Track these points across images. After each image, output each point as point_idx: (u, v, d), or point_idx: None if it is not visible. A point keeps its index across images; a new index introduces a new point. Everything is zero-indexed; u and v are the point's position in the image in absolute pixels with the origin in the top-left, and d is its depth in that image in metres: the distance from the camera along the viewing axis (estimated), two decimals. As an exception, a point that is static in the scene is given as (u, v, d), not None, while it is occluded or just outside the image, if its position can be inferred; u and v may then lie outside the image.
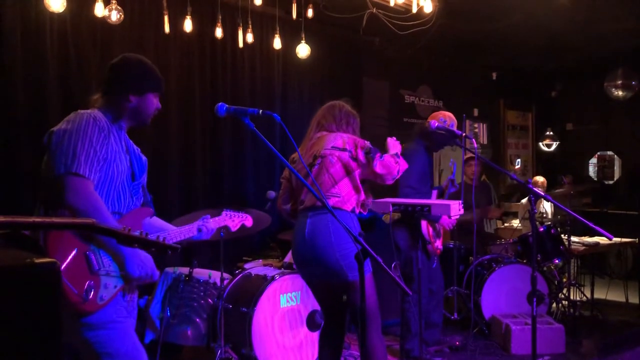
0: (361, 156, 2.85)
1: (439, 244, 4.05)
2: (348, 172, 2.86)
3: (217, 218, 2.55)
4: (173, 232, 2.31)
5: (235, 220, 2.66)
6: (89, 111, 2.07)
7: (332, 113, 3.05)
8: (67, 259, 1.89)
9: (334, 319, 3.01)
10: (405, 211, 3.12)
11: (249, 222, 2.73)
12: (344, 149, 2.87)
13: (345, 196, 2.84)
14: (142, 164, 2.24)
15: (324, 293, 3.01)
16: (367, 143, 2.90)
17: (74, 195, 1.90)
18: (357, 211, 2.90)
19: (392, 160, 2.88)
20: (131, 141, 2.26)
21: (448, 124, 3.73)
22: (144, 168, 2.25)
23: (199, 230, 2.40)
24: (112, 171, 2.06)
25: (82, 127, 1.98)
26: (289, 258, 4.05)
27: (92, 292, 1.92)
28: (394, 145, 3.12)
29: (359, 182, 2.90)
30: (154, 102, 2.21)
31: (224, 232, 2.72)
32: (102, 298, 1.96)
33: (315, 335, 3.73)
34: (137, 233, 1.51)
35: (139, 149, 2.31)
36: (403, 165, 2.98)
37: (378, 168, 2.83)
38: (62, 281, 1.07)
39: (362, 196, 2.92)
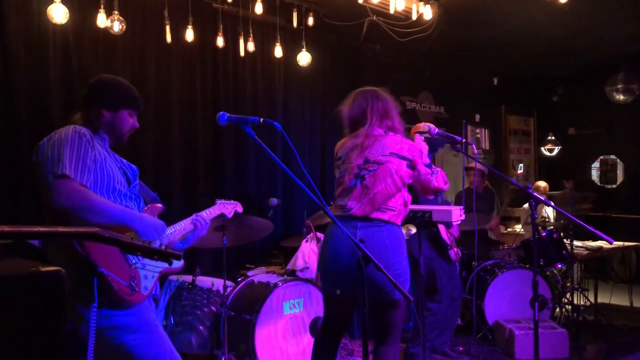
0: (420, 166, 2.68)
1: (456, 249, 4.04)
2: (404, 183, 2.64)
3: (212, 208, 2.63)
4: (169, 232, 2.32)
5: (228, 207, 2.75)
6: (69, 125, 2.10)
7: (389, 109, 2.74)
8: (109, 256, 1.93)
9: (336, 331, 2.90)
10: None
11: (239, 208, 2.83)
12: (404, 157, 2.64)
13: (399, 209, 2.64)
14: (133, 169, 2.27)
15: (344, 307, 2.80)
16: (427, 158, 2.76)
17: (58, 196, 1.87)
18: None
19: (443, 180, 2.77)
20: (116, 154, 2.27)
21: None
22: (135, 173, 2.27)
23: (194, 224, 2.42)
24: (107, 172, 2.07)
25: (63, 137, 2.00)
26: (291, 265, 4.06)
27: (136, 284, 1.99)
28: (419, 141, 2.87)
29: (407, 192, 2.72)
30: (128, 120, 2.22)
31: (221, 220, 2.78)
32: (145, 288, 2.03)
33: (319, 342, 3.73)
34: (139, 242, 1.53)
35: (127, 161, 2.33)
36: (445, 188, 2.82)
37: (434, 182, 2.70)
38: (66, 290, 1.09)
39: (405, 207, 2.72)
